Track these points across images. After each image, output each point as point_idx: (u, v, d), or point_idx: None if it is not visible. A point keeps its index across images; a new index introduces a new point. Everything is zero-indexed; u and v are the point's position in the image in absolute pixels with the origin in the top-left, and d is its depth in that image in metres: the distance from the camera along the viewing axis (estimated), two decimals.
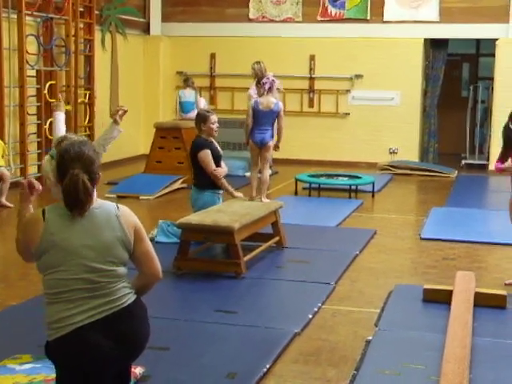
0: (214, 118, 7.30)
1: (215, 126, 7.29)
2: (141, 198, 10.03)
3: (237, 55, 13.88)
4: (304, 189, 10.78)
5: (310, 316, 5.34)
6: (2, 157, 9.60)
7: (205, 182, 7.20)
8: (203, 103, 12.37)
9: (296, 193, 10.65)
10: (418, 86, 13.88)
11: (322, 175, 11.18)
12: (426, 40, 13.80)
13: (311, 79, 14.21)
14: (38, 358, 3.94)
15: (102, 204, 3.25)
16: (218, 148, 7.41)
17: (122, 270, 3.24)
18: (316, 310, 5.49)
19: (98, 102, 12.64)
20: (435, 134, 14.36)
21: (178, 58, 14.66)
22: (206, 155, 7.14)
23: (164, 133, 11.46)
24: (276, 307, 5.57)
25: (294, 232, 7.73)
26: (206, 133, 7.26)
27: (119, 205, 3.30)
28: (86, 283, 3.14)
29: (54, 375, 3.28)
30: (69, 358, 3.13)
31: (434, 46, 14.16)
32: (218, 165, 7.25)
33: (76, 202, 3.13)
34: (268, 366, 4.40)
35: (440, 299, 5.60)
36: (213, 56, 14.55)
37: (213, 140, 7.36)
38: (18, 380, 3.72)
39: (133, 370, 3.83)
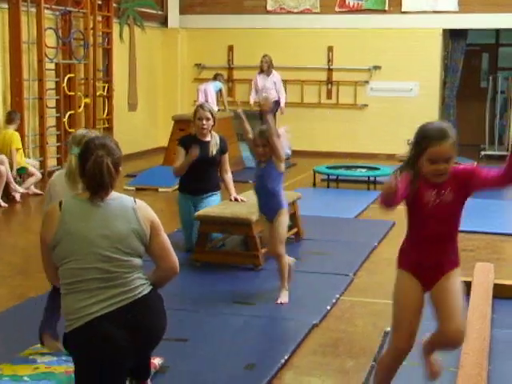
0: (201, 113, 6.61)
1: (200, 123, 6.59)
2: (160, 190, 10.06)
3: (255, 47, 13.85)
4: (322, 180, 10.77)
5: (329, 307, 5.34)
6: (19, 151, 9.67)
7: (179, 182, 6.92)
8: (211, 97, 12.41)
9: (314, 184, 10.65)
10: (437, 76, 13.81)
11: (340, 167, 11.16)
12: (444, 30, 13.71)
13: (329, 70, 14.16)
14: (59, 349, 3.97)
15: (118, 196, 3.30)
16: (211, 150, 6.65)
17: (137, 261, 3.27)
18: (334, 301, 5.49)
19: (116, 95, 12.68)
20: (454, 125, 14.15)
21: (195, 51, 14.66)
22: (176, 152, 6.72)
23: (182, 125, 11.44)
24: (294, 298, 5.56)
25: (312, 223, 7.72)
26: (195, 129, 6.69)
27: (136, 199, 3.34)
28: (100, 273, 3.17)
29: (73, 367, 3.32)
30: (85, 349, 3.16)
31: (453, 36, 14.09)
32: (204, 169, 6.62)
33: (100, 184, 3.19)
34: (286, 358, 4.41)
35: None
36: (231, 48, 14.54)
37: (205, 139, 6.66)
38: (38, 370, 3.76)
39: (152, 360, 3.85)
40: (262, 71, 12.81)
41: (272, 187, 5.39)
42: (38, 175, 9.85)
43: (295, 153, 13.50)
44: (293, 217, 7.29)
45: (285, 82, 13.76)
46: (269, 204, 5.44)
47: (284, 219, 5.44)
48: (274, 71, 12.82)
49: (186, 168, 6.55)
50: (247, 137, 5.55)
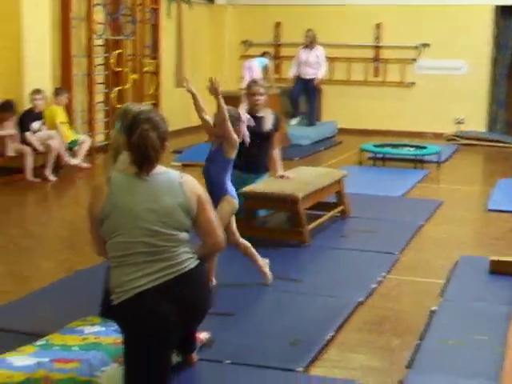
0: (255, 88, 6.61)
1: (254, 99, 6.55)
2: None
3: (302, 24, 13.74)
4: (369, 159, 10.71)
5: (374, 285, 5.32)
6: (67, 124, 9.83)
7: None
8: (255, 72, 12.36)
9: (360, 162, 10.59)
10: (487, 54, 13.58)
11: (387, 145, 11.07)
12: (496, 7, 13.46)
13: (376, 48, 14.03)
14: (107, 320, 4.02)
15: (165, 171, 3.33)
16: (264, 125, 6.55)
17: (183, 235, 3.29)
18: (380, 279, 5.47)
19: (163, 71, 12.72)
20: (504, 104, 14.02)
21: (242, 27, 14.63)
22: None
23: (229, 102, 11.39)
24: (340, 276, 5.57)
25: (358, 201, 7.68)
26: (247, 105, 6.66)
27: (183, 173, 3.36)
28: (147, 247, 3.20)
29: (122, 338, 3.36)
30: (132, 321, 3.20)
31: (505, 13, 13.79)
32: (256, 145, 6.32)
33: (145, 158, 3.22)
34: (331, 335, 4.41)
35: (506, 271, 5.52)
36: (278, 25, 14.48)
37: (258, 115, 6.51)
38: (87, 341, 3.82)
39: (198, 335, 3.89)
40: (306, 46, 12.80)
41: (214, 172, 5.06)
42: (88, 141, 10.02)
43: (341, 131, 13.48)
44: (339, 195, 7.29)
45: (332, 59, 13.70)
46: (212, 190, 4.90)
47: (224, 206, 4.99)
48: (318, 46, 12.81)
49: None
50: (200, 116, 5.26)
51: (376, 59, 14.06)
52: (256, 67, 12.41)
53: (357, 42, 13.92)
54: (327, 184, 6.97)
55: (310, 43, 12.76)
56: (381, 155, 10.61)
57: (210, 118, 5.23)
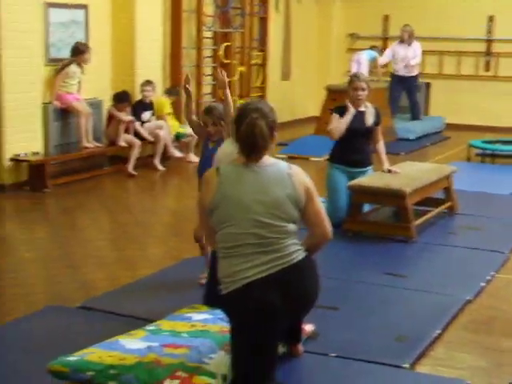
0: (357, 83, 6.53)
1: (356, 94, 6.52)
2: (311, 159, 10.09)
3: (410, 17, 13.52)
4: (477, 155, 10.46)
5: (483, 284, 5.21)
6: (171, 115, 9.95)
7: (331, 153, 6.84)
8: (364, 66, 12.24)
9: (468, 159, 10.36)
10: None
11: (496, 141, 10.78)
12: None
13: (488, 41, 13.68)
14: (214, 309, 4.08)
15: (274, 162, 3.34)
16: (366, 120, 6.59)
17: (291, 226, 3.30)
18: (489, 278, 5.35)
19: (269, 64, 12.78)
20: None
21: (350, 20, 14.53)
22: (331, 118, 6.66)
23: (335, 95, 11.41)
24: (447, 273, 5.47)
25: (466, 198, 7.53)
26: (349, 99, 6.62)
27: (292, 164, 3.37)
28: (256, 238, 3.22)
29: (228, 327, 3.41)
30: (241, 311, 3.23)
31: None
32: (358, 140, 6.59)
33: (253, 145, 3.24)
34: (438, 332, 4.35)
35: None
36: (386, 18, 14.32)
37: (360, 109, 6.58)
38: (195, 328, 3.88)
39: (303, 327, 3.90)
40: (402, 41, 12.58)
41: None
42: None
43: (449, 126, 13.23)
44: (447, 191, 7.16)
45: (440, 52, 13.49)
46: None
47: None
48: (415, 41, 12.57)
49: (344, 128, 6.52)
50: (189, 118, 5.06)
51: (488, 53, 13.71)
52: (364, 60, 12.30)
53: (467, 35, 13.60)
54: (435, 179, 6.86)
55: (407, 38, 12.54)
56: (490, 152, 10.35)
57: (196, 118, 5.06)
